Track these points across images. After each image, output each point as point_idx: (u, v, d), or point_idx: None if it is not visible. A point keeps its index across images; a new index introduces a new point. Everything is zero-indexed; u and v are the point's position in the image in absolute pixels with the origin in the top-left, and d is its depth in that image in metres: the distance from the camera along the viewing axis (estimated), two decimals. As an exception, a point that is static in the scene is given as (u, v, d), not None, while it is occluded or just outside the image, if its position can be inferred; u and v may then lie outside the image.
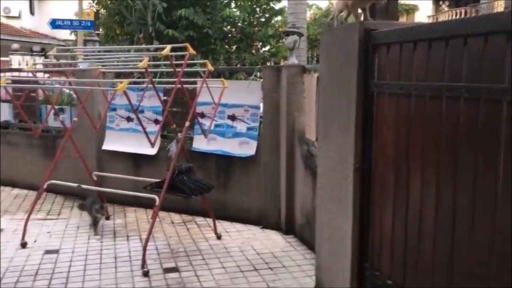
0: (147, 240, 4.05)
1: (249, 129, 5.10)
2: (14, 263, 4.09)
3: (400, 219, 2.65)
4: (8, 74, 6.66)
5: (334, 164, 3.25)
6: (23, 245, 4.47)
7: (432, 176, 2.39)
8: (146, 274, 3.86)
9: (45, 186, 4.62)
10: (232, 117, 5.18)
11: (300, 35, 5.25)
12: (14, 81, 5.73)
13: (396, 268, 2.70)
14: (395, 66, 2.67)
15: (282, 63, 10.48)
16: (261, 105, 5.10)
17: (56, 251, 4.38)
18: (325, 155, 3.40)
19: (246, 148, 5.09)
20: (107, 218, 5.32)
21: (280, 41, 11.03)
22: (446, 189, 2.29)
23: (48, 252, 4.36)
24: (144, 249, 4.00)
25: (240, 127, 5.14)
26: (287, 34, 5.20)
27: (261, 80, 5.22)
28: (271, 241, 4.69)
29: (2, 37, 17.80)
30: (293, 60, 5.00)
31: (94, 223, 4.77)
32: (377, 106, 2.87)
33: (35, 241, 4.60)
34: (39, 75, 6.00)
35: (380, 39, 2.79)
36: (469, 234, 2.13)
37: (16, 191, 6.49)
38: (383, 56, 2.78)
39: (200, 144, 5.32)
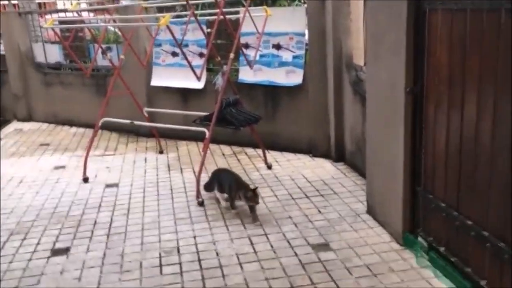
0: (200, 172, 4.17)
1: (295, 57, 5.00)
2: (78, 197, 4.35)
3: (455, 141, 2.57)
4: (54, 15, 6.76)
5: (384, 88, 3.16)
6: (85, 180, 4.72)
7: (489, 95, 2.27)
8: (201, 204, 4.01)
9: (100, 124, 4.79)
10: (277, 46, 5.08)
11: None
12: (60, 22, 5.81)
13: (450, 190, 2.66)
14: (449, -21, 2.49)
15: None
16: (306, 31, 4.95)
17: (116, 185, 4.60)
18: (375, 79, 3.30)
19: (293, 77, 5.01)
20: (161, 152, 5.50)
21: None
22: (504, 108, 2.18)
23: (108, 186, 4.59)
24: (198, 181, 4.13)
25: (286, 56, 5.04)
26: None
27: (305, 5, 5.03)
28: (321, 169, 4.72)
29: (46, -21, 17.86)
30: (338, -19, 4.76)
31: (251, 211, 3.70)
32: (429, 24, 2.72)
33: (95, 176, 4.85)
34: (84, 14, 6.04)
35: (433, -50, 2.59)
36: (529, 153, 2.05)
37: (73, 129, 6.78)
38: (436, -31, 2.60)
39: (246, 75, 5.29)
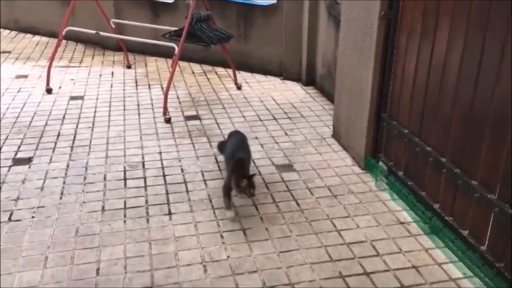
0: (167, 88, 4.09)
1: (271, -26, 4.80)
2: (41, 107, 4.23)
3: (423, 70, 2.58)
4: None
5: (359, 12, 3.09)
6: (49, 91, 4.58)
7: (461, 28, 2.25)
8: (168, 121, 3.97)
9: (64, 33, 4.57)
10: (254, -39, 4.85)
11: None
12: None
13: (414, 118, 2.71)
14: None
15: None
16: None
17: (80, 98, 4.49)
18: (350, 2, 3.22)
19: (268, -4, 4.85)
20: (129, 67, 5.35)
21: None
22: (473, 42, 2.17)
23: (73, 98, 4.48)
24: (165, 97, 4.06)
25: (262, -28, 4.84)
26: None
27: None
28: (290, 92, 4.71)
29: None
30: None
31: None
32: None
33: (59, 88, 4.71)
34: None
35: None
36: (492, 89, 2.07)
37: (36, 38, 6.48)
38: None
39: (220, -9, 5.08)
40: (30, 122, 3.94)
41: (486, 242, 2.18)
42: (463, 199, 2.32)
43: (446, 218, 2.45)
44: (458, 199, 2.36)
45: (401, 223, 2.66)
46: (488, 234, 2.17)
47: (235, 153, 2.86)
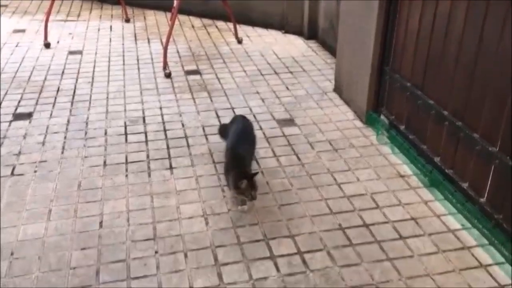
0: (167, 42, 4.03)
1: None
2: (40, 62, 4.19)
3: (427, 22, 2.52)
4: None
5: (362, -40, 2.99)
6: (47, 45, 4.51)
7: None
8: (168, 75, 3.93)
9: (60, -14, 4.47)
10: None
11: None
12: None
13: (417, 71, 2.67)
14: None
15: None
16: None
17: (79, 52, 4.43)
18: (354, -50, 3.11)
19: None
20: (127, 20, 5.25)
21: None
22: (482, -14, 2.11)
23: (71, 53, 4.42)
24: (165, 51, 4.00)
25: None
26: None
27: None
28: (292, 45, 4.63)
29: None
30: None
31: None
32: None
33: (58, 42, 4.64)
34: None
35: None
36: (497, 42, 2.02)
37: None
38: None
39: None
40: (29, 77, 3.91)
41: (486, 194, 2.19)
42: (464, 152, 2.32)
43: (446, 171, 2.45)
44: (459, 152, 2.36)
45: (401, 176, 2.67)
46: (488, 186, 2.17)
47: (235, 145, 2.50)
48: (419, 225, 2.30)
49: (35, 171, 2.70)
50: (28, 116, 3.30)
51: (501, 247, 2.07)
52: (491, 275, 2.00)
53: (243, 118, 2.80)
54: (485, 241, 2.16)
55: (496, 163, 2.10)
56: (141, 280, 1.99)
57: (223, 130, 2.84)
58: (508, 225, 2.06)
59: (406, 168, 2.72)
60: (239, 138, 2.57)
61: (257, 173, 2.37)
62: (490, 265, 2.05)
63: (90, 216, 2.36)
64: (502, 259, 2.06)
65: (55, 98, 3.56)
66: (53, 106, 3.45)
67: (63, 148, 2.94)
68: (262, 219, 2.34)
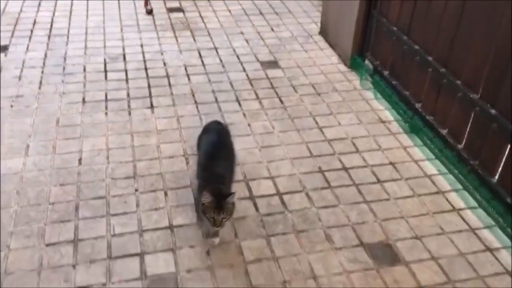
0: (149, -23, 3.87)
1: None
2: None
3: (418, -38, 2.45)
4: None
5: None
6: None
7: None
8: (149, 12, 3.80)
9: None
10: None
11: None
12: None
13: (404, 16, 2.62)
14: None
15: None
16: None
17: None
18: None
19: None
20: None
21: None
22: None
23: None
24: (147, -14, 3.85)
25: None
26: None
27: None
28: (279, -14, 4.49)
29: None
30: None
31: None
32: None
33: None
34: None
35: None
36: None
37: None
38: None
39: None
40: (4, 8, 3.74)
41: (464, 141, 2.23)
42: (445, 98, 2.33)
43: (427, 117, 2.47)
44: (441, 98, 2.37)
45: (383, 121, 2.68)
46: (467, 133, 2.20)
47: (209, 164, 1.92)
48: (397, 169, 2.33)
49: (12, 106, 2.64)
50: (4, 49, 3.19)
51: (475, 192, 2.13)
52: (463, 219, 2.06)
53: (218, 125, 2.22)
54: (460, 186, 2.21)
55: (477, 110, 2.12)
56: (121, 216, 2.00)
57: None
58: (482, 170, 2.11)
59: (388, 114, 2.73)
60: (214, 155, 1.96)
61: (233, 193, 1.76)
62: (462, 209, 2.11)
63: (69, 153, 2.34)
64: (475, 204, 2.12)
65: (31, 31, 3.44)
66: (30, 39, 3.33)
67: (41, 83, 2.86)
68: (243, 160, 2.35)
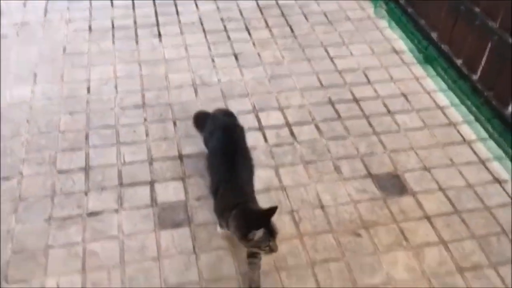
0: None
1: None
2: None
3: None
4: None
5: None
6: None
7: None
8: None
9: None
10: None
11: None
12: None
13: None
14: None
15: None
16: None
17: None
18: None
19: None
20: None
21: None
22: None
23: None
24: None
25: None
26: None
27: None
28: None
29: None
30: None
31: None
32: None
33: None
34: None
35: None
36: None
37: None
38: None
39: None
40: None
41: (479, 71, 2.16)
42: (462, 27, 2.24)
43: (442, 47, 2.39)
44: (458, 27, 2.28)
45: (396, 52, 2.60)
46: (483, 63, 2.13)
47: (228, 173, 1.60)
48: (408, 101, 2.30)
49: (17, 34, 2.60)
50: (6, -26, 3.09)
51: (487, 124, 2.10)
52: (473, 151, 2.05)
53: (231, 118, 1.86)
54: (472, 118, 2.18)
55: (495, 39, 2.04)
56: (130, 145, 2.01)
57: (199, 120, 1.95)
58: (496, 102, 2.06)
59: (401, 44, 2.65)
60: (229, 166, 1.61)
61: (275, 208, 1.43)
62: (473, 141, 2.10)
63: (77, 81, 2.32)
64: (486, 135, 2.10)
65: (34, -45, 3.31)
66: (32, -36, 3.21)
67: (46, 10, 2.79)
68: (252, 91, 2.32)
